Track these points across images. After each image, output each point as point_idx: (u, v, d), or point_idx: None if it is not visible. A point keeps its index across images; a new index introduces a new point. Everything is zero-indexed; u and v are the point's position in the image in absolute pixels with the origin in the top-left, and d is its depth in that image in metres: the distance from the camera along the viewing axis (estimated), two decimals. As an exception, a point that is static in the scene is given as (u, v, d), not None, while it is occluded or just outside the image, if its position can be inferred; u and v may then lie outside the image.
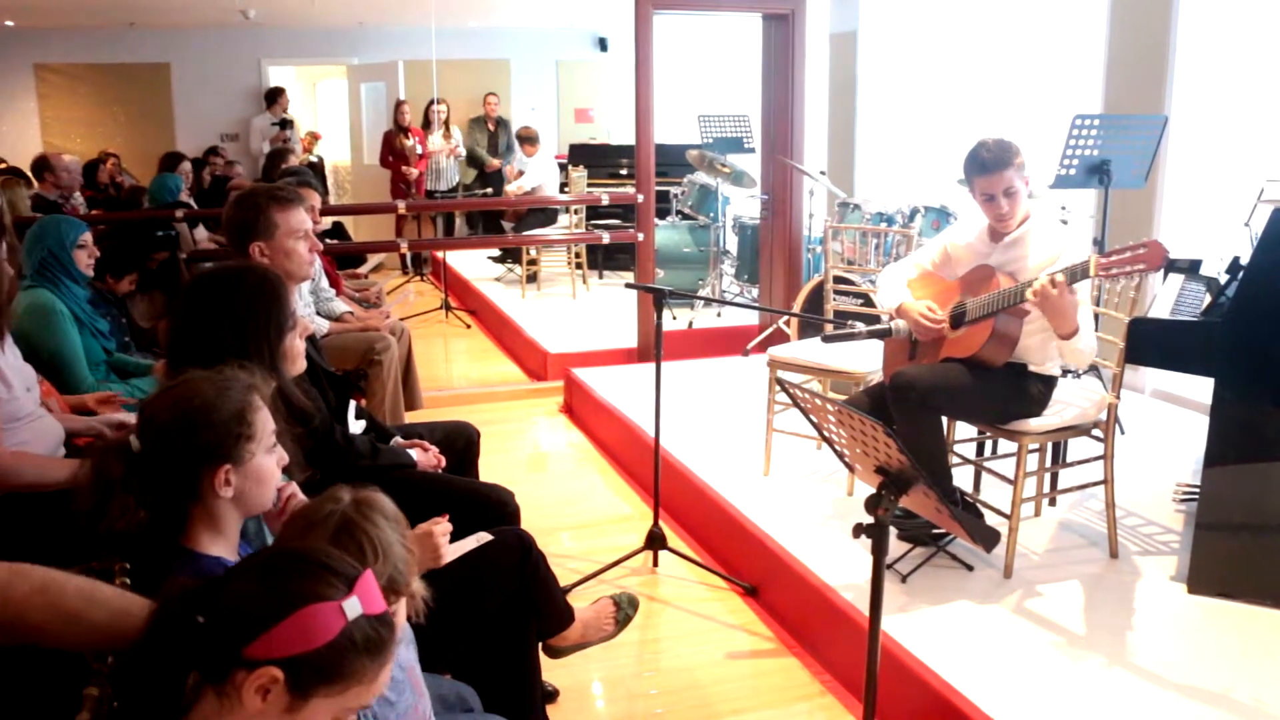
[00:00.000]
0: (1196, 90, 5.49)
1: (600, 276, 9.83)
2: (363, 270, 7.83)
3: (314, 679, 1.36)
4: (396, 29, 12.83)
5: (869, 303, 5.26)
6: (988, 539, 2.73)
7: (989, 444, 4.29)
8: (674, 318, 7.50)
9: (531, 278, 9.34)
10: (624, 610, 3.02)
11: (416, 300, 9.31)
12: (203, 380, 1.90)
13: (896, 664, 2.97)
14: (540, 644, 2.84)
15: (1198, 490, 3.46)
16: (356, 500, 1.79)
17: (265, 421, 1.92)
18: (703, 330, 7.26)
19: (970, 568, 3.56)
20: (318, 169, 12.07)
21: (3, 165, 9.83)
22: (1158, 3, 5.43)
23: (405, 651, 1.89)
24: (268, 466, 1.92)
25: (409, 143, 10.63)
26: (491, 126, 11.61)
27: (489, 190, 11.09)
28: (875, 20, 8.20)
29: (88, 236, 4.12)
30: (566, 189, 10.12)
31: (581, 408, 6.09)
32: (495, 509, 3.08)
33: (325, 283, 5.38)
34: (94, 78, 12.56)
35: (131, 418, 3.28)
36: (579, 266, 9.30)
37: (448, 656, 2.59)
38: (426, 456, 3.24)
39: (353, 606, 1.39)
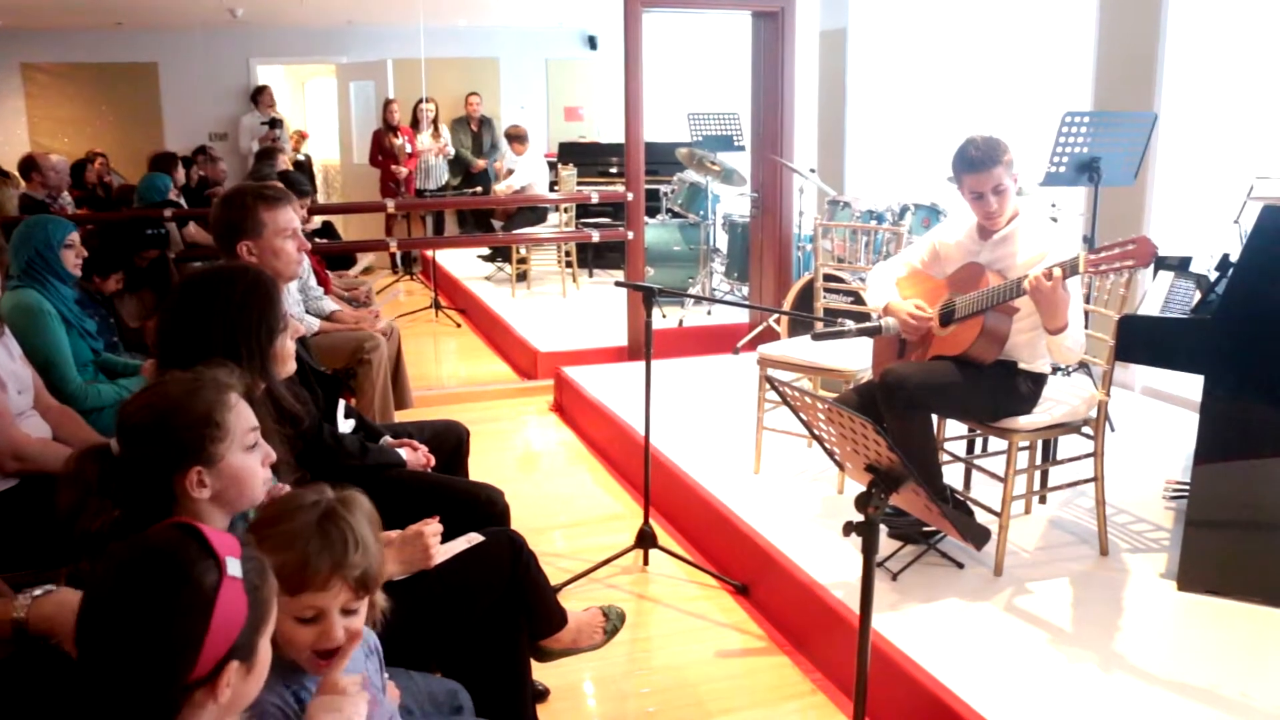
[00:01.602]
0: (1186, 88, 5.50)
1: (590, 275, 9.82)
2: (352, 272, 7.81)
3: (253, 638, 1.38)
4: (385, 28, 12.80)
5: (859, 300, 5.26)
6: (978, 537, 2.73)
7: (979, 441, 4.29)
8: (664, 316, 7.50)
9: (521, 276, 9.33)
10: (612, 622, 3.01)
11: (406, 299, 9.29)
12: (174, 382, 1.90)
13: (887, 662, 2.97)
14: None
15: (1187, 487, 3.47)
16: (340, 496, 1.79)
17: (238, 420, 1.90)
18: (693, 328, 7.26)
19: (960, 565, 3.56)
20: (305, 168, 12.04)
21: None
22: (1147, 0, 5.44)
23: (362, 662, 1.85)
24: (246, 465, 1.90)
25: (398, 141, 10.61)
26: (474, 127, 11.58)
27: (478, 190, 11.07)
28: (865, 17, 8.20)
29: (75, 236, 4.10)
30: (556, 187, 10.11)
31: (572, 406, 6.08)
32: (485, 508, 3.07)
33: (313, 281, 5.37)
34: (82, 77, 12.52)
35: None
36: (569, 265, 9.29)
37: (438, 656, 2.58)
38: (416, 456, 3.23)
39: (234, 566, 1.38)
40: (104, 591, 1.36)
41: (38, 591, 1.74)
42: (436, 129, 10.96)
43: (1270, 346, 3.14)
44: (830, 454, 2.45)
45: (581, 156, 10.67)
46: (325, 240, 8.60)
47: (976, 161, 3.42)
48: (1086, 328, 3.93)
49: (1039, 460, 3.94)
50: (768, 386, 4.45)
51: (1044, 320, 3.31)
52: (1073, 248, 3.39)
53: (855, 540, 2.19)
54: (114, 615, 1.33)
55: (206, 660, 1.32)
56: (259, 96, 12.12)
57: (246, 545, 1.44)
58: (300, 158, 12.28)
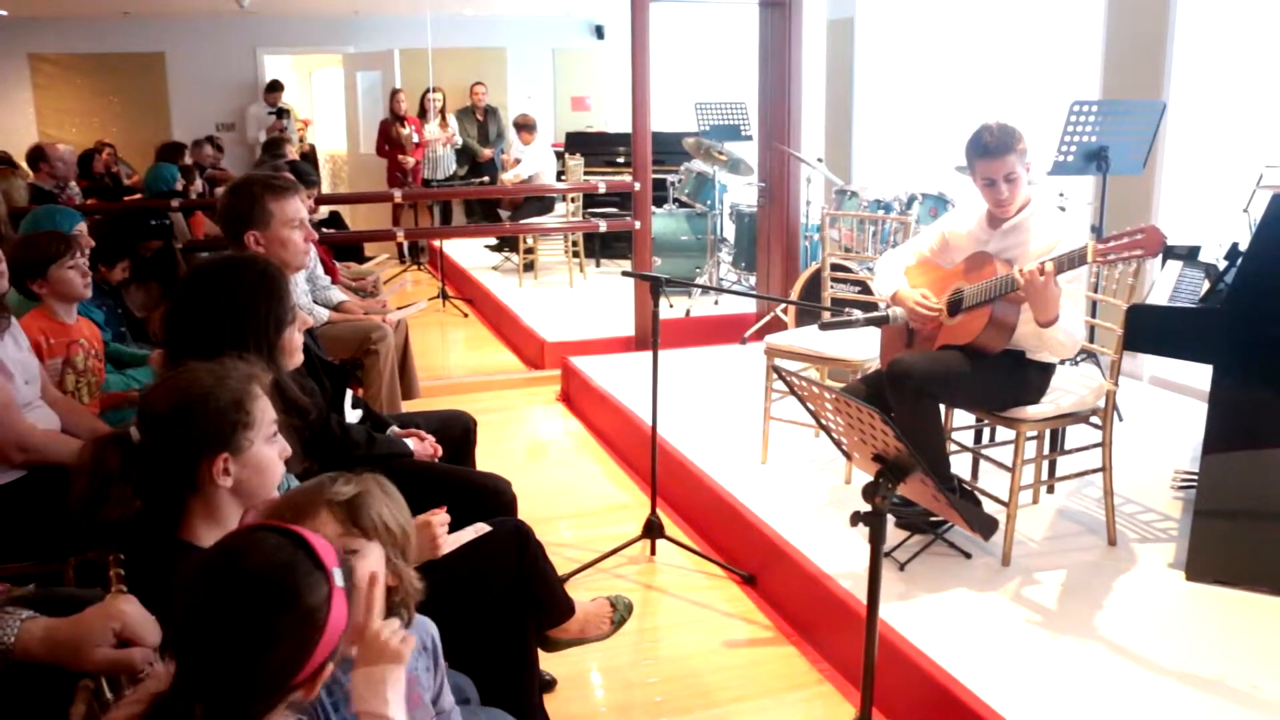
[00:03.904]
0: (1195, 76, 5.47)
1: (597, 265, 9.81)
2: (365, 267, 7.80)
3: (348, 636, 1.43)
4: (392, 17, 12.79)
5: (866, 290, 5.26)
6: (985, 526, 2.72)
7: (987, 431, 4.29)
8: (671, 306, 7.49)
9: (529, 266, 9.32)
10: (619, 613, 3.01)
11: (413, 290, 9.29)
12: (201, 370, 1.90)
13: (894, 652, 2.97)
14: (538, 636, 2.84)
15: (1196, 477, 3.46)
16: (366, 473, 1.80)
17: (264, 411, 1.92)
18: (700, 318, 7.25)
19: (968, 555, 3.55)
20: (310, 157, 12.04)
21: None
22: (1156, -12, 5.42)
23: (412, 660, 1.83)
24: (268, 456, 1.92)
25: (405, 131, 10.60)
26: (480, 116, 11.54)
27: (484, 179, 11.06)
28: (872, 7, 8.17)
29: (82, 226, 4.12)
30: (563, 177, 10.10)
31: (579, 396, 6.08)
32: (492, 498, 3.07)
33: (320, 270, 5.37)
34: (89, 68, 12.54)
35: None
36: (576, 255, 9.28)
37: (446, 646, 2.58)
38: (423, 446, 3.23)
39: (339, 576, 1.39)
40: (219, 603, 1.32)
41: (25, 614, 1.73)
42: (444, 119, 10.94)
43: (1279, 336, 3.13)
44: (837, 444, 2.44)
45: (589, 146, 10.66)
46: (332, 230, 8.59)
47: (990, 147, 3.40)
48: (1095, 317, 3.92)
49: (1047, 450, 3.93)
50: (775, 376, 4.44)
51: (1034, 313, 3.29)
52: (1082, 237, 3.38)
53: (862, 530, 2.18)
54: (228, 629, 1.30)
55: (310, 667, 1.35)
56: (271, 91, 12.13)
57: (340, 551, 1.45)
58: (306, 148, 12.30)
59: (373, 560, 1.71)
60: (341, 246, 8.40)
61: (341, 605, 1.37)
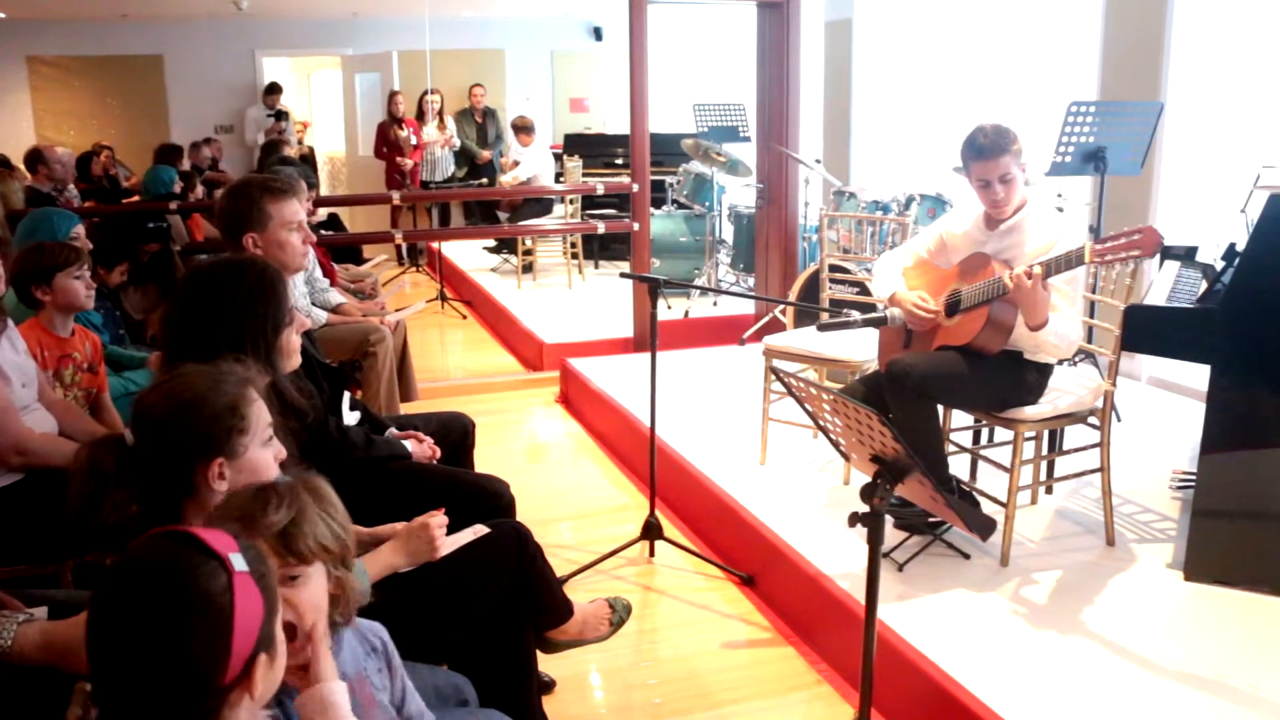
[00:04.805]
0: (1192, 77, 5.47)
1: (596, 266, 9.81)
2: (364, 269, 7.80)
3: (270, 626, 1.36)
4: (390, 19, 12.79)
5: (865, 291, 5.25)
6: (984, 527, 2.72)
7: (985, 432, 4.29)
8: (669, 307, 7.49)
9: (527, 268, 9.32)
10: (618, 614, 3.01)
11: (412, 291, 9.28)
12: (196, 374, 1.89)
13: (893, 653, 2.97)
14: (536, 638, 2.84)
15: (1194, 477, 3.46)
16: (296, 479, 1.76)
17: (259, 414, 1.91)
18: (698, 319, 7.25)
19: (967, 556, 3.55)
20: (309, 159, 12.04)
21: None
22: (1153, -11, 5.42)
23: (360, 659, 1.84)
24: (263, 460, 1.91)
25: (403, 133, 10.60)
26: (479, 118, 11.53)
27: (483, 181, 11.06)
28: (870, 8, 8.18)
29: (80, 229, 4.12)
30: (562, 179, 10.09)
31: (578, 398, 6.08)
32: (490, 500, 3.07)
33: (319, 273, 5.37)
34: (87, 70, 12.54)
35: None
36: (575, 256, 9.28)
37: (444, 648, 2.58)
38: (421, 448, 3.22)
39: (238, 560, 1.33)
40: (114, 617, 1.28)
41: (21, 617, 1.73)
42: (442, 120, 10.93)
43: (1276, 336, 3.13)
44: (836, 445, 2.45)
45: (587, 148, 10.66)
46: (331, 232, 8.59)
47: (985, 149, 3.40)
48: (1093, 317, 3.93)
49: (1045, 450, 3.93)
50: (773, 377, 4.44)
51: (1024, 316, 3.30)
52: (1079, 237, 3.38)
53: (861, 531, 2.19)
54: (132, 640, 1.26)
55: (236, 662, 1.29)
56: (272, 92, 12.14)
57: (238, 536, 1.39)
58: (305, 150, 12.30)
59: (316, 582, 1.68)
60: (340, 248, 8.40)
61: (249, 590, 1.31)
